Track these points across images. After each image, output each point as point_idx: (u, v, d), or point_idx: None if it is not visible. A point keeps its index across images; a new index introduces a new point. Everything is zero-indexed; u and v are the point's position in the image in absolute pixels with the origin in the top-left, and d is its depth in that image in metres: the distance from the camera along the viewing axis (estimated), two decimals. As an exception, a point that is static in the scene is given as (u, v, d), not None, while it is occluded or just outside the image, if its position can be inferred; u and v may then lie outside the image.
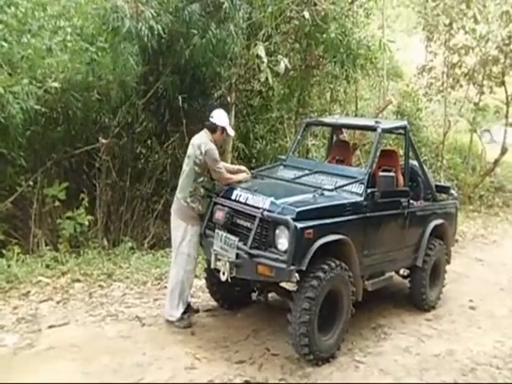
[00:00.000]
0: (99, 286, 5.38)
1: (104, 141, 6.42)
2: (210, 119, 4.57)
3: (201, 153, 4.42)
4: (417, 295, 5.42)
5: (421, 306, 5.46)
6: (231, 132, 4.73)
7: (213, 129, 4.56)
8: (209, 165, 4.47)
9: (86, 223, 6.12)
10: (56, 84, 5.77)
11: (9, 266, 5.35)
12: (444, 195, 6.31)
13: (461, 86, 11.69)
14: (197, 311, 4.91)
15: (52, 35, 6.01)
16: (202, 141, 4.49)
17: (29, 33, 5.84)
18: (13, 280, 5.17)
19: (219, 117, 4.57)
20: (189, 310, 4.76)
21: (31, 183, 6.19)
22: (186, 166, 4.55)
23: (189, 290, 4.70)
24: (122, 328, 4.47)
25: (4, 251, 5.61)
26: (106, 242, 6.35)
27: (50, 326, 4.42)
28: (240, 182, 4.67)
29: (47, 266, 5.58)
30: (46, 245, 5.99)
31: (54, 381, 3.56)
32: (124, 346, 4.15)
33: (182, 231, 4.52)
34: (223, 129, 4.57)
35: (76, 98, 6.07)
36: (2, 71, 5.41)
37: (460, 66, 11.45)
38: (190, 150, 4.55)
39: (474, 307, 5.78)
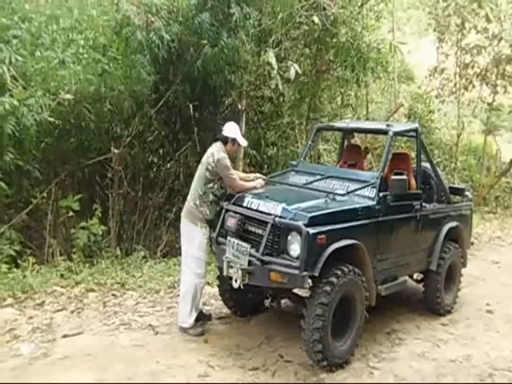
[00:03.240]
0: (113, 295, 5.42)
1: (116, 151, 6.49)
2: (222, 132, 4.76)
3: (213, 160, 4.54)
4: (431, 300, 5.34)
5: (436, 311, 5.38)
6: (243, 142, 4.81)
7: (224, 141, 4.72)
8: (220, 172, 4.57)
9: (100, 233, 6.18)
10: (69, 96, 5.86)
11: (24, 277, 5.42)
12: (458, 197, 6.24)
13: (474, 86, 11.59)
14: (209, 318, 4.90)
15: (65, 48, 6.11)
16: (215, 150, 4.65)
17: (42, 46, 5.95)
18: (28, 290, 5.24)
19: (229, 129, 4.73)
20: (201, 317, 4.77)
21: (45, 195, 6.27)
22: (198, 172, 4.72)
23: (200, 296, 4.69)
24: (136, 337, 4.49)
25: (19, 261, 5.68)
26: (118, 252, 6.40)
27: (65, 336, 4.46)
28: (253, 188, 4.70)
29: (61, 276, 5.65)
30: (61, 255, 6.06)
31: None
32: (138, 355, 4.16)
33: (191, 234, 4.59)
34: (234, 140, 4.70)
35: (88, 109, 6.17)
36: (17, 85, 5.51)
37: (472, 66, 11.37)
38: (203, 158, 4.73)
39: (491, 311, 5.68)
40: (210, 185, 4.61)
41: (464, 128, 11.93)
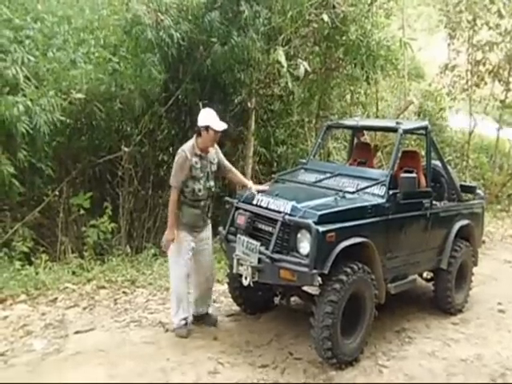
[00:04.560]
0: (123, 292, 5.47)
1: (126, 149, 6.54)
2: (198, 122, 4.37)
3: None
4: (442, 298, 5.31)
5: (446, 310, 5.35)
6: (218, 127, 4.30)
7: (198, 132, 4.36)
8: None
9: (110, 231, 6.24)
10: (80, 95, 5.92)
11: (37, 273, 5.48)
12: (470, 195, 6.20)
13: (485, 83, 11.45)
14: (214, 324, 4.76)
15: (76, 48, 6.18)
16: (182, 148, 4.37)
17: (54, 46, 6.03)
18: (41, 287, 5.30)
19: (201, 117, 4.34)
20: (206, 319, 4.75)
21: (57, 193, 6.33)
22: None
23: (187, 298, 4.55)
24: (146, 334, 4.53)
25: (32, 259, 5.75)
26: (129, 249, 6.44)
27: (77, 332, 4.51)
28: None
29: (73, 273, 5.71)
30: (72, 252, 6.12)
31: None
32: (148, 352, 4.19)
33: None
34: (207, 128, 4.28)
35: (99, 108, 6.20)
36: (30, 84, 5.57)
37: (484, 63, 11.22)
38: None
39: (503, 310, 5.63)
40: (187, 188, 4.35)
41: (476, 126, 11.81)
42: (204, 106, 6.70)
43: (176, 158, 4.33)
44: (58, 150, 6.31)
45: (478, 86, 11.46)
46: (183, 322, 4.50)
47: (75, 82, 5.93)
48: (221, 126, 4.35)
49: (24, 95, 5.37)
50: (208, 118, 4.33)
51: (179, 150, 4.33)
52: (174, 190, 4.34)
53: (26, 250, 5.72)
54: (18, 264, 5.49)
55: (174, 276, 4.50)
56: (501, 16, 10.37)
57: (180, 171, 4.29)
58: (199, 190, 4.37)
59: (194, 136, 4.41)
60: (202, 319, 4.76)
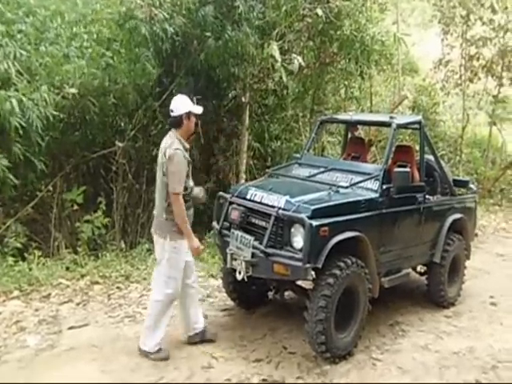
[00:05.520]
0: (117, 287, 5.46)
1: (120, 144, 6.51)
2: (171, 113, 3.93)
3: (166, 159, 3.80)
4: (435, 292, 5.35)
5: (439, 303, 5.39)
6: (197, 110, 3.98)
7: (177, 123, 3.91)
8: (168, 173, 3.79)
9: (104, 225, 6.21)
10: (73, 90, 5.88)
11: (30, 269, 5.46)
12: (463, 189, 6.23)
13: (479, 78, 11.49)
14: (215, 338, 4.35)
15: (69, 42, 6.14)
16: (167, 144, 3.86)
17: (47, 41, 5.98)
18: (34, 283, 5.28)
19: (178, 105, 3.92)
20: (204, 336, 4.30)
21: (51, 188, 6.30)
22: (158, 178, 3.96)
23: (168, 318, 4.09)
24: (140, 329, 4.47)
25: (25, 254, 5.72)
26: (123, 245, 6.44)
27: (71, 327, 4.50)
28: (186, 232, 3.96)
29: (67, 269, 5.69)
30: (66, 248, 6.10)
31: (75, 380, 3.63)
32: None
33: (161, 250, 3.98)
34: (188, 114, 3.92)
35: (93, 102, 6.17)
36: (22, 79, 5.53)
37: (478, 58, 11.26)
38: (158, 159, 3.96)
39: (495, 303, 5.67)
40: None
41: (469, 120, 11.85)
42: (198, 101, 6.69)
43: (175, 161, 3.78)
44: (52, 144, 6.26)
45: (471, 80, 11.50)
46: (159, 346, 4.01)
47: (68, 76, 5.89)
48: (199, 109, 4.03)
49: (16, 90, 5.33)
50: (187, 103, 3.94)
51: (172, 151, 3.78)
52: (180, 197, 3.83)
53: (19, 245, 5.70)
54: (10, 260, 5.47)
55: (165, 293, 3.95)
56: (494, 11, 10.38)
57: (184, 173, 3.85)
58: (191, 188, 4.04)
59: (173, 130, 3.95)
60: (201, 337, 4.28)
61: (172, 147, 3.82)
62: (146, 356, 3.99)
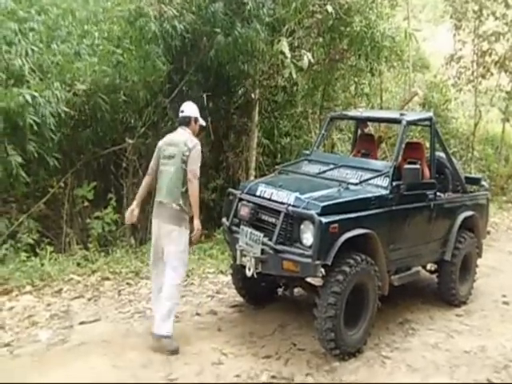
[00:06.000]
0: (127, 283, 5.50)
1: (130, 141, 6.55)
2: (181, 113, 4.32)
3: (188, 149, 4.09)
4: (446, 290, 5.31)
5: (450, 302, 5.35)
6: (202, 121, 4.43)
7: (187, 122, 4.29)
8: (191, 162, 4.08)
9: (114, 222, 6.25)
10: (84, 87, 5.94)
11: (42, 265, 5.52)
12: (475, 187, 6.17)
13: (491, 74, 11.37)
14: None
15: (80, 40, 6.18)
16: (186, 137, 4.19)
17: (58, 38, 6.03)
18: (46, 278, 5.34)
19: (190, 108, 4.33)
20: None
21: (62, 184, 6.36)
22: (171, 167, 4.13)
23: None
24: (150, 325, 4.51)
25: (38, 250, 5.79)
26: (133, 241, 6.49)
27: (82, 323, 4.55)
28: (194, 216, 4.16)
29: (78, 265, 5.75)
30: (77, 244, 6.16)
31: (86, 375, 3.67)
32: (152, 342, 4.19)
33: (176, 235, 4.09)
34: (195, 119, 4.33)
35: (103, 99, 6.20)
36: (34, 76, 5.58)
37: (490, 54, 11.15)
38: (170, 150, 4.16)
39: (507, 302, 5.62)
40: None
41: (481, 117, 11.73)
42: (208, 98, 6.72)
43: (198, 149, 4.15)
44: (63, 141, 6.32)
45: (483, 76, 11.38)
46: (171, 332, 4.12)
47: (79, 74, 5.94)
48: (203, 121, 4.47)
49: (28, 87, 5.38)
50: (195, 110, 4.37)
51: (195, 142, 4.15)
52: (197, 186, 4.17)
53: (31, 241, 5.76)
54: (23, 255, 5.53)
55: (183, 277, 4.30)
56: (507, 6, 10.28)
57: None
58: None
59: (183, 127, 4.28)
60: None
61: (192, 139, 4.22)
62: (159, 340, 4.06)
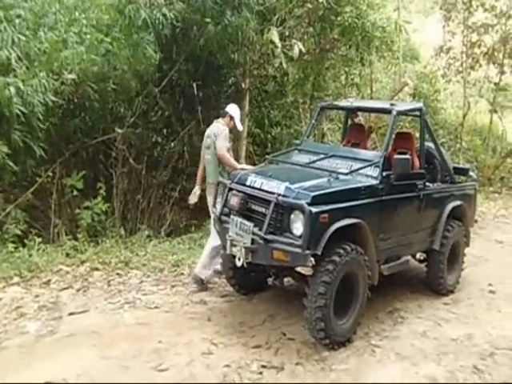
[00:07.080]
0: (117, 273, 5.47)
1: (120, 131, 6.48)
2: (224, 109, 5.23)
3: (216, 137, 4.99)
4: (434, 279, 5.36)
5: (438, 290, 5.40)
6: (239, 126, 5.29)
7: (223, 115, 5.20)
8: (217, 141, 4.97)
9: (104, 212, 6.20)
10: (72, 76, 5.84)
11: (30, 256, 5.46)
12: (463, 177, 6.22)
13: (480, 65, 11.43)
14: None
15: (68, 28, 6.06)
16: (216, 127, 5.07)
17: (45, 26, 5.90)
18: (34, 269, 5.29)
19: (231, 108, 5.22)
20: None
21: (50, 174, 6.29)
22: (209, 155, 5.10)
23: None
24: (140, 315, 4.55)
25: (25, 241, 5.72)
26: (123, 231, 6.45)
27: (71, 314, 4.52)
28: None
29: (67, 255, 5.70)
30: (66, 234, 6.10)
31: (75, 366, 3.65)
32: (142, 333, 4.21)
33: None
34: (231, 117, 5.17)
35: (92, 88, 6.12)
36: (21, 65, 5.48)
37: (479, 45, 11.20)
38: (207, 141, 5.11)
39: (493, 291, 5.68)
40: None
41: (470, 108, 11.80)
42: (198, 87, 6.69)
43: (224, 130, 5.06)
44: (51, 131, 6.24)
45: (472, 68, 11.44)
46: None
47: (67, 62, 5.83)
48: (240, 126, 5.43)
49: (15, 76, 5.28)
50: (237, 112, 5.23)
51: (222, 129, 5.07)
52: (229, 155, 5.12)
53: (18, 232, 5.70)
54: (10, 246, 5.47)
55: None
56: (496, -3, 10.30)
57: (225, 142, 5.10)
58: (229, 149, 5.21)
59: (219, 119, 5.18)
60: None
61: (220, 127, 5.08)
62: (196, 281, 5.12)
